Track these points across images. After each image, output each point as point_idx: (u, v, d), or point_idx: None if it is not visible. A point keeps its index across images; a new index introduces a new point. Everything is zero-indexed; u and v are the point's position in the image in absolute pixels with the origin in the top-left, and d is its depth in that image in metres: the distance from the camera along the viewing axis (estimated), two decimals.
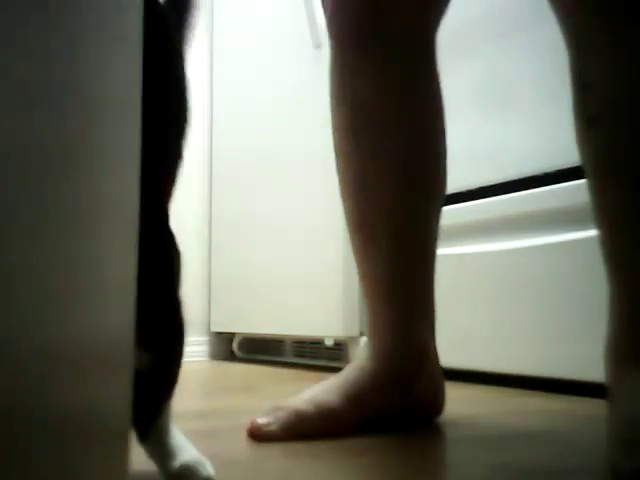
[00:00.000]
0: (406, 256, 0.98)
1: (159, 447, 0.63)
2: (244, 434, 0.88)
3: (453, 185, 1.63)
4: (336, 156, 1.00)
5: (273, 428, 0.87)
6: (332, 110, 0.99)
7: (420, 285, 0.99)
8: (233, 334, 2.38)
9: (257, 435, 0.87)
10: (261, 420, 0.88)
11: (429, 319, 1.00)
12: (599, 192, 0.75)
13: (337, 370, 1.01)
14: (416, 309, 0.99)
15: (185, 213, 2.42)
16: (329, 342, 1.91)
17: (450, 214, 1.65)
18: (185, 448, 0.63)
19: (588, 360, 1.30)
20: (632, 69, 0.72)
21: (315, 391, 0.94)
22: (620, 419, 0.68)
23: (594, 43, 0.74)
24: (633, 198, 0.72)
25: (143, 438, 0.63)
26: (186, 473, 0.61)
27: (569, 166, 1.35)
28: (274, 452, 0.83)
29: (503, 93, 1.54)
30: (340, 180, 1.00)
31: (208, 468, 0.62)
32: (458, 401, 1.14)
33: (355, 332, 1.83)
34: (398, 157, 0.96)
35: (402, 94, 0.96)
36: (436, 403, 1.00)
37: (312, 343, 2.06)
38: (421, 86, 0.98)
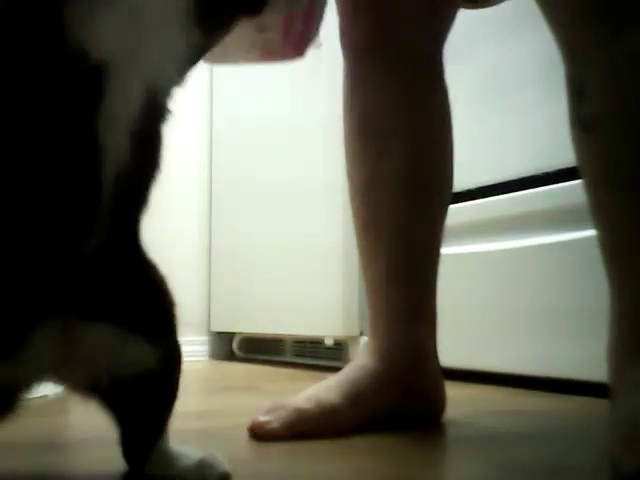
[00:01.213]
0: (410, 256, 0.99)
1: (162, 460, 0.62)
2: (244, 434, 0.88)
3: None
4: (346, 160, 1.03)
5: (274, 426, 0.87)
6: (344, 116, 1.03)
7: (422, 286, 1.00)
8: (233, 334, 2.38)
9: (258, 433, 0.87)
10: (262, 418, 0.88)
11: (430, 320, 1.00)
12: (597, 195, 0.76)
13: (337, 370, 1.01)
14: (417, 310, 0.99)
15: (185, 213, 2.42)
16: (329, 342, 1.91)
17: (450, 214, 1.65)
18: (190, 450, 0.64)
19: (588, 360, 1.30)
20: (626, 75, 0.73)
21: (316, 389, 0.94)
22: (622, 417, 0.69)
23: (587, 50, 0.75)
24: (631, 201, 0.73)
25: (142, 466, 0.63)
26: (205, 468, 0.61)
27: (569, 166, 1.35)
28: (274, 452, 0.83)
29: (503, 93, 1.54)
30: (349, 183, 1.03)
31: (224, 464, 0.63)
32: (458, 401, 1.14)
33: (355, 332, 1.83)
34: (405, 159, 0.99)
35: (408, 101, 1.00)
36: (437, 404, 1.00)
37: (312, 343, 2.06)
38: (427, 94, 1.02)
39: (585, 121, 0.76)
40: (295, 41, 0.81)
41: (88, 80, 0.49)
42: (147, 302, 0.59)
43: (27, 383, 0.56)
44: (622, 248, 0.74)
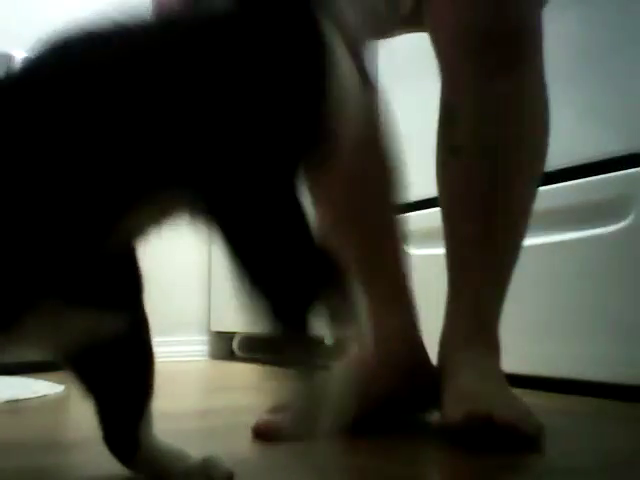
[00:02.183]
0: (371, 248, 1.00)
1: (158, 456, 0.63)
2: (245, 433, 0.88)
3: None
4: None
5: (282, 426, 0.87)
6: None
7: (393, 281, 1.01)
8: (233, 333, 2.38)
9: (264, 433, 0.87)
10: (268, 417, 0.88)
11: (410, 314, 1.01)
12: (451, 216, 0.94)
13: None
14: (394, 306, 1.00)
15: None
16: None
17: None
18: (183, 451, 0.64)
19: (588, 360, 1.30)
20: (492, 115, 0.89)
21: None
22: (461, 392, 0.86)
23: (465, 86, 0.90)
24: (476, 224, 0.91)
25: (130, 459, 0.63)
26: (210, 468, 0.62)
27: (568, 165, 1.35)
28: (275, 451, 0.83)
29: None
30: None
31: (225, 464, 0.63)
32: None
33: None
34: (345, 166, 1.01)
35: None
36: (434, 395, 1.00)
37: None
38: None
39: (454, 146, 0.91)
40: None
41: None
42: (121, 274, 0.62)
43: (7, 352, 0.59)
44: (464, 245, 0.93)
